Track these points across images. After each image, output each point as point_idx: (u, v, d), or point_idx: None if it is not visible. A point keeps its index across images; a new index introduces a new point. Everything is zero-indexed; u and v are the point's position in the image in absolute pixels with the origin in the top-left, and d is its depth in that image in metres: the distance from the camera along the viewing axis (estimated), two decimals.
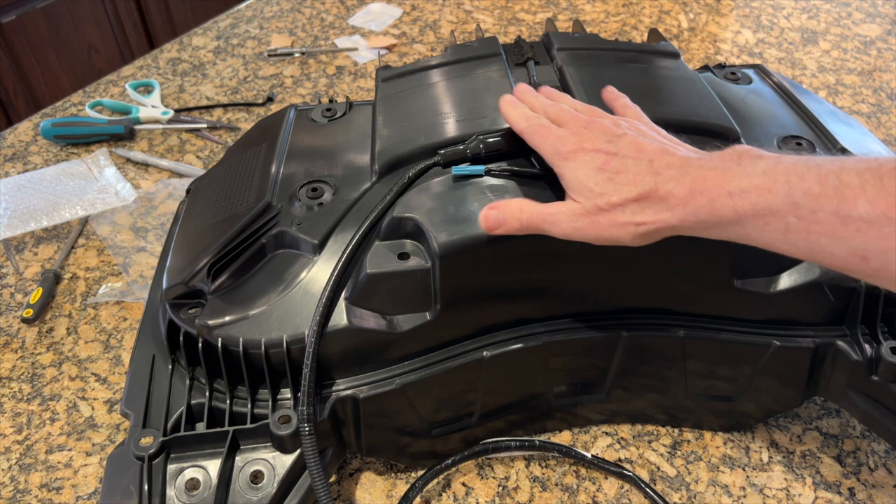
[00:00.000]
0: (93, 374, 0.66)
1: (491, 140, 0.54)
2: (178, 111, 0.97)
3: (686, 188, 0.42)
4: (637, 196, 0.43)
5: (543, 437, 0.61)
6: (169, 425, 0.51)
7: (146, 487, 0.47)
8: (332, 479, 0.58)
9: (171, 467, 0.49)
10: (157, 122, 0.95)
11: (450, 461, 0.57)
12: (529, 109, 0.53)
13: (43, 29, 1.71)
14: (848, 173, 0.37)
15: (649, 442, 0.61)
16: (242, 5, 1.23)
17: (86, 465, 0.59)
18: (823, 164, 0.38)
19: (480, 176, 0.53)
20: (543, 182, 0.53)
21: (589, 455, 0.58)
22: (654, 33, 0.73)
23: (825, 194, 0.37)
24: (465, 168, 0.53)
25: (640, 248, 0.52)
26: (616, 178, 0.44)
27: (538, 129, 0.50)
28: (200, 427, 0.51)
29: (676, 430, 0.61)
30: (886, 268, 0.36)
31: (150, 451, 0.49)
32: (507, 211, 0.47)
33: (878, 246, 0.36)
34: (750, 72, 0.71)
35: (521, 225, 0.47)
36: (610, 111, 0.53)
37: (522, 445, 0.58)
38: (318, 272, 0.52)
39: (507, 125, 0.54)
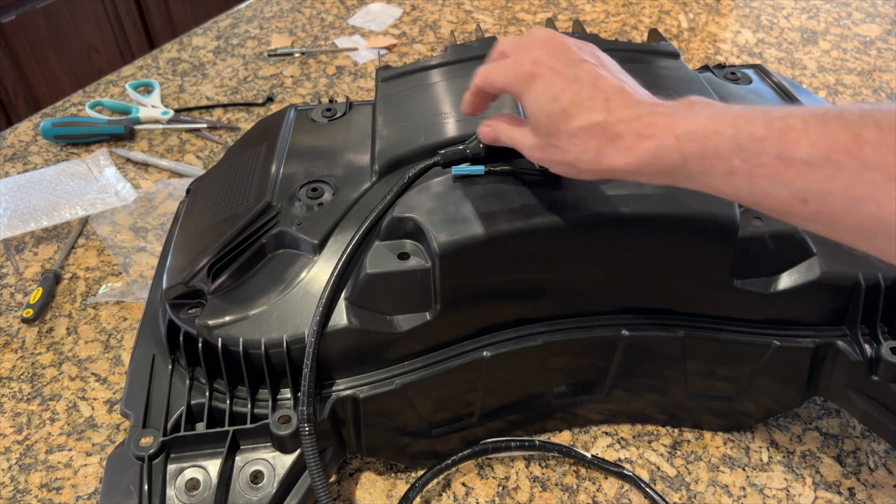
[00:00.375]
0: (93, 374, 0.66)
1: None
2: (178, 111, 0.97)
3: (636, 134, 0.41)
4: (587, 134, 0.43)
5: (543, 437, 0.61)
6: (169, 425, 0.51)
7: (146, 487, 0.47)
8: (332, 479, 0.58)
9: (171, 467, 0.49)
10: (157, 122, 0.95)
11: (450, 461, 0.57)
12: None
13: (43, 29, 1.71)
14: (794, 117, 0.37)
15: (649, 442, 0.61)
16: (242, 5, 1.23)
17: (86, 465, 0.59)
18: (772, 110, 0.38)
19: (480, 176, 0.53)
20: (544, 181, 0.53)
21: (589, 455, 0.58)
22: (654, 33, 0.73)
23: (770, 137, 0.37)
24: (465, 168, 0.53)
25: (641, 248, 0.52)
26: (569, 110, 0.43)
27: (493, 67, 0.48)
28: (200, 427, 0.51)
29: (676, 430, 0.61)
30: (825, 211, 0.36)
31: (150, 451, 0.49)
32: (497, 128, 0.50)
33: (818, 189, 0.36)
34: (750, 72, 0.71)
35: (506, 140, 0.49)
36: None
37: (522, 445, 0.58)
38: (318, 272, 0.52)
39: None
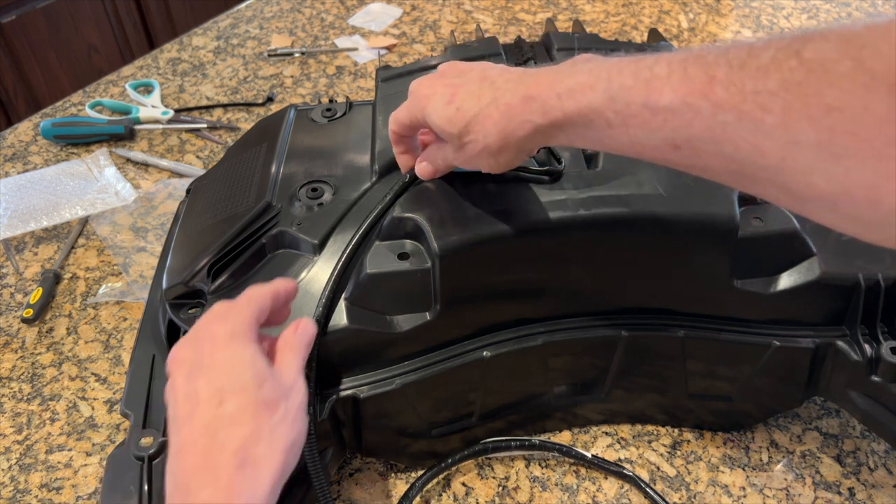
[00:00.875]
0: (93, 374, 0.66)
1: None
2: (178, 111, 0.97)
3: (520, 96, 0.42)
4: (483, 117, 0.44)
5: (543, 437, 0.61)
6: None
7: (146, 487, 0.47)
8: (333, 478, 0.58)
9: None
10: (157, 122, 0.95)
11: (449, 461, 0.57)
12: None
13: (43, 29, 1.71)
14: (660, 64, 0.37)
15: (649, 442, 0.61)
16: (242, 5, 1.23)
17: (86, 465, 0.59)
18: (644, 59, 0.38)
19: (480, 175, 0.53)
20: (543, 179, 0.53)
21: (589, 455, 0.58)
22: (654, 33, 0.73)
23: (637, 87, 0.37)
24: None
25: (641, 249, 0.52)
26: (463, 106, 0.44)
27: (396, 110, 0.51)
28: None
29: (676, 430, 0.61)
30: (696, 156, 0.37)
31: (151, 452, 0.49)
32: (430, 159, 0.51)
33: (684, 134, 0.36)
34: None
35: (442, 164, 0.51)
36: None
37: (522, 445, 0.58)
38: (318, 272, 0.52)
39: None
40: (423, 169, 0.52)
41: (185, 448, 0.39)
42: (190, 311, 0.53)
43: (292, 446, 0.41)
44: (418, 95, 0.48)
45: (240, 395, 0.40)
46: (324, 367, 0.51)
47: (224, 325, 0.43)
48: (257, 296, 0.45)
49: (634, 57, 0.39)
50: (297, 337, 0.46)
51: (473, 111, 0.44)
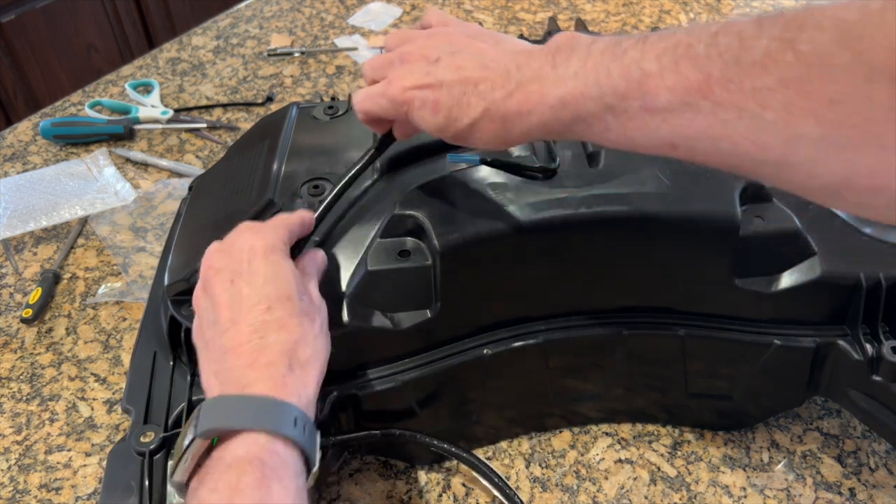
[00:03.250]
0: (92, 374, 0.66)
1: None
2: (177, 111, 0.97)
3: (515, 112, 0.42)
4: (478, 127, 0.43)
5: (540, 437, 0.61)
6: (170, 421, 0.51)
7: (147, 483, 0.47)
8: (333, 479, 0.58)
9: (172, 463, 0.49)
10: (156, 121, 0.95)
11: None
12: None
13: (43, 29, 1.71)
14: (647, 60, 0.37)
15: (649, 442, 0.61)
16: (242, 5, 1.23)
17: (85, 465, 0.59)
18: (626, 51, 0.38)
19: (480, 172, 0.53)
20: (537, 177, 0.53)
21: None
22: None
23: (631, 90, 0.37)
24: (460, 156, 0.53)
25: (642, 247, 0.52)
26: (452, 115, 0.44)
27: (367, 99, 0.48)
28: None
29: (677, 431, 0.61)
30: (694, 153, 0.37)
31: (152, 447, 0.49)
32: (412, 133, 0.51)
33: (682, 133, 0.36)
34: None
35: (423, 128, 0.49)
36: None
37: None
38: None
39: None
40: (403, 136, 0.52)
41: (235, 348, 0.42)
42: (191, 308, 0.53)
43: (327, 357, 0.45)
44: (396, 101, 0.46)
45: (286, 303, 0.43)
46: None
47: (261, 239, 0.45)
48: (286, 221, 0.48)
49: (613, 45, 0.39)
50: (316, 263, 0.49)
51: (465, 121, 0.43)
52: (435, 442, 0.54)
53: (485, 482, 0.55)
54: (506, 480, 0.55)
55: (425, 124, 0.45)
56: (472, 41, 0.46)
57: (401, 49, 0.48)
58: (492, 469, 0.54)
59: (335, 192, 0.52)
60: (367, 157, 0.53)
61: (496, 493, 0.54)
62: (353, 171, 0.53)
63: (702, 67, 0.34)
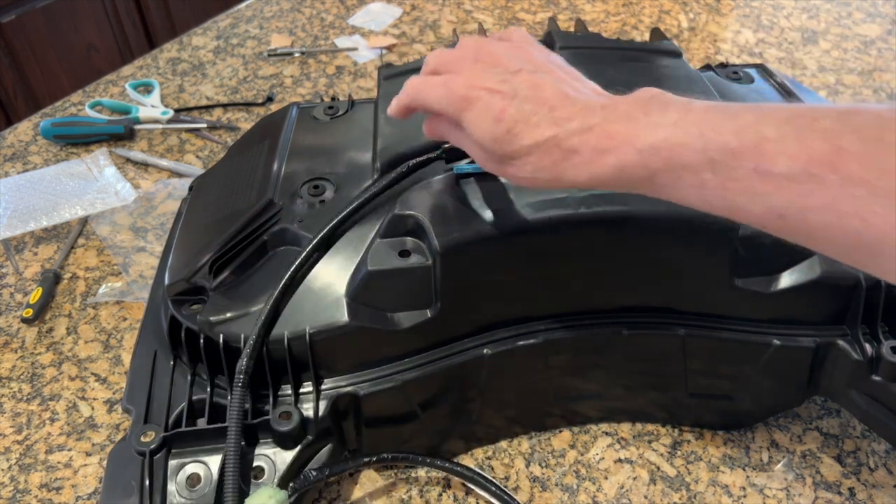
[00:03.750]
0: (93, 374, 0.66)
1: None
2: (177, 111, 0.97)
3: (591, 148, 0.39)
4: (539, 151, 0.40)
5: (539, 436, 0.61)
6: (170, 421, 0.51)
7: (147, 483, 0.47)
8: (333, 478, 0.58)
9: (173, 462, 0.49)
10: (156, 121, 0.95)
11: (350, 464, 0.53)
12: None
13: (42, 29, 1.71)
14: (766, 125, 0.35)
15: (649, 442, 0.61)
16: (242, 5, 1.23)
17: (85, 465, 0.59)
18: (739, 114, 0.36)
19: (482, 173, 0.53)
20: None
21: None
22: (656, 32, 0.73)
23: (744, 149, 0.35)
24: (466, 166, 0.53)
25: (641, 247, 0.52)
26: (514, 130, 0.40)
27: (424, 86, 0.45)
28: (202, 423, 0.51)
29: (677, 431, 0.61)
30: (803, 226, 0.35)
31: (152, 447, 0.49)
32: (442, 129, 0.48)
33: (797, 204, 0.34)
34: (752, 71, 0.71)
35: (455, 143, 0.47)
36: None
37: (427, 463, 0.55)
38: (320, 269, 0.52)
39: None
40: (430, 130, 0.48)
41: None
42: (192, 308, 0.53)
43: None
44: (457, 96, 0.43)
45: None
46: (324, 364, 0.51)
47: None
48: None
49: (721, 105, 0.37)
50: None
51: (526, 142, 0.40)
52: (428, 460, 0.54)
53: (485, 494, 0.55)
54: (504, 489, 0.55)
55: (480, 131, 0.42)
56: (555, 68, 0.44)
57: (477, 49, 0.45)
58: (489, 479, 0.55)
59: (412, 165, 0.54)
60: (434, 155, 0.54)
61: (496, 502, 0.54)
62: (419, 160, 0.55)
63: (831, 139, 0.33)
